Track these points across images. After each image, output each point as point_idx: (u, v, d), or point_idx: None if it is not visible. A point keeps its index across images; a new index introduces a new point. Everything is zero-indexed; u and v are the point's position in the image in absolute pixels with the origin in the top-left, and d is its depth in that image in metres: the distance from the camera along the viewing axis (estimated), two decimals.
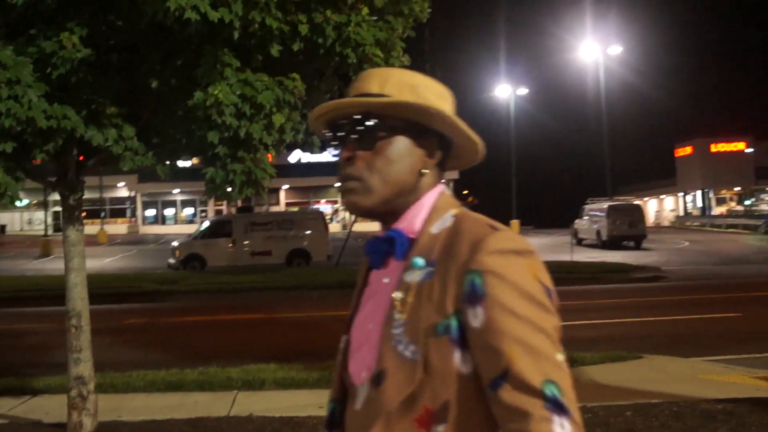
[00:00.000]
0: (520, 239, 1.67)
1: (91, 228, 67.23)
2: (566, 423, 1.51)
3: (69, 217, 7.35)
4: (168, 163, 7.06)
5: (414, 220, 1.81)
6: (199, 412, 8.06)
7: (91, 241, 56.65)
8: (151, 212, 73.39)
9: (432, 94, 1.84)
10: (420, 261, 1.72)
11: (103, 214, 66.06)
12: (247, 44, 6.52)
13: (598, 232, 44.59)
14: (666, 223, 77.99)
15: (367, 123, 1.78)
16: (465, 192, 66.11)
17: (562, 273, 26.44)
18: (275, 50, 6.54)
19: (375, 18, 6.88)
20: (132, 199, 71.68)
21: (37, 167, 7.85)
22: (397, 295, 1.72)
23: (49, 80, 6.11)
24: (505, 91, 67.18)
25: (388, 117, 1.79)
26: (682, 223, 74.24)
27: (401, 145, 1.80)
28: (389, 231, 1.81)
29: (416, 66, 7.28)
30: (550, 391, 1.53)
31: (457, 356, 1.63)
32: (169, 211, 73.74)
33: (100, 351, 7.29)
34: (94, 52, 6.14)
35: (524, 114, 73.85)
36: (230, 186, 6.52)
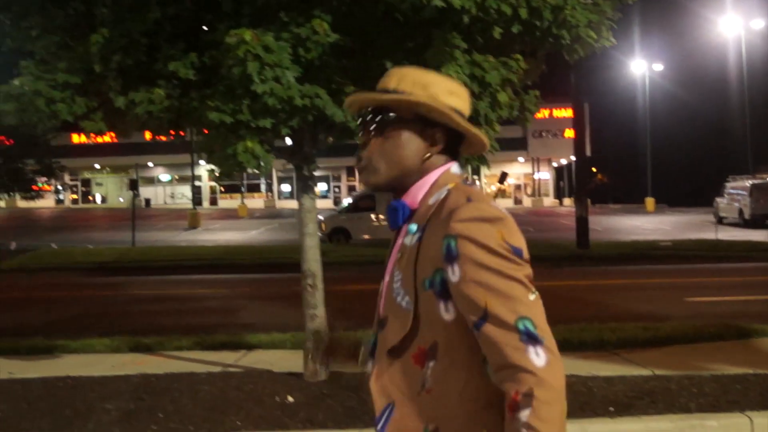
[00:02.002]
0: (490, 208, 2.03)
1: (231, 202, 69.56)
2: (540, 350, 1.91)
3: (303, 186, 8.12)
4: None
5: (417, 193, 2.19)
6: None
7: (232, 214, 58.59)
8: (286, 187, 75.16)
9: (441, 91, 2.20)
10: (414, 227, 2.14)
11: (242, 189, 67.93)
12: (472, 28, 7.09)
13: (740, 211, 43.30)
14: None
15: (380, 116, 2.19)
16: (594, 170, 65.42)
17: (704, 251, 26.33)
18: (497, 33, 7.10)
19: (589, 1, 7.36)
20: (268, 175, 73.53)
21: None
22: (399, 254, 2.16)
23: (299, 63, 6.83)
24: (641, 67, 66.22)
25: (400, 110, 2.18)
26: None
27: (407, 134, 2.18)
28: (393, 202, 2.22)
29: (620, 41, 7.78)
30: (523, 325, 1.92)
31: (441, 306, 2.04)
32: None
33: (298, 314, 8.05)
34: (342, 37, 6.83)
35: (660, 90, 72.34)
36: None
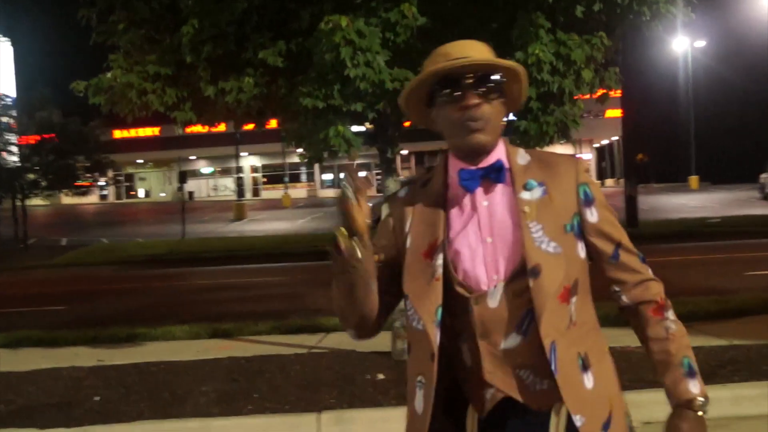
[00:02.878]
0: None
1: (273, 193, 69.86)
2: (649, 268, 2.42)
3: (387, 168, 8.24)
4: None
5: (502, 155, 2.36)
6: None
7: (276, 204, 58.84)
8: (328, 176, 75.46)
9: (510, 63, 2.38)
10: (533, 182, 2.32)
11: (286, 179, 68.31)
12: (555, 6, 7.16)
13: None
14: None
15: (499, 81, 2.29)
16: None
17: (752, 226, 26.13)
18: (579, 11, 7.17)
19: None
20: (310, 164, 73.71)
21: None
22: (525, 208, 2.28)
23: (387, 47, 6.95)
24: (683, 43, 65.61)
25: (502, 79, 2.31)
26: None
27: (500, 98, 2.32)
28: (495, 161, 2.33)
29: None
30: (638, 251, 2.41)
31: (579, 245, 2.32)
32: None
33: None
34: (429, 20, 6.94)
35: (702, 67, 71.65)
36: (544, 137, 7.23)
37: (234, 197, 56.58)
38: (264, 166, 75.85)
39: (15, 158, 34.42)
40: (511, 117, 7.84)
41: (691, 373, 2.34)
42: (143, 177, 78.16)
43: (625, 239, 2.39)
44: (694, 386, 2.33)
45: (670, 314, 2.37)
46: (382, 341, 8.52)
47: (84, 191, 38.29)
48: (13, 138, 34.67)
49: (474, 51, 2.32)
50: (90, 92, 7.83)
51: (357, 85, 6.75)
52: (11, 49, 55.18)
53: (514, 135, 7.47)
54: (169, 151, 69.72)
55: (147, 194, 77.34)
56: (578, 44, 7.09)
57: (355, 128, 7.66)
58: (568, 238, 2.30)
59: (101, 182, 44.61)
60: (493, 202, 2.35)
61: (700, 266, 17.34)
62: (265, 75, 7.56)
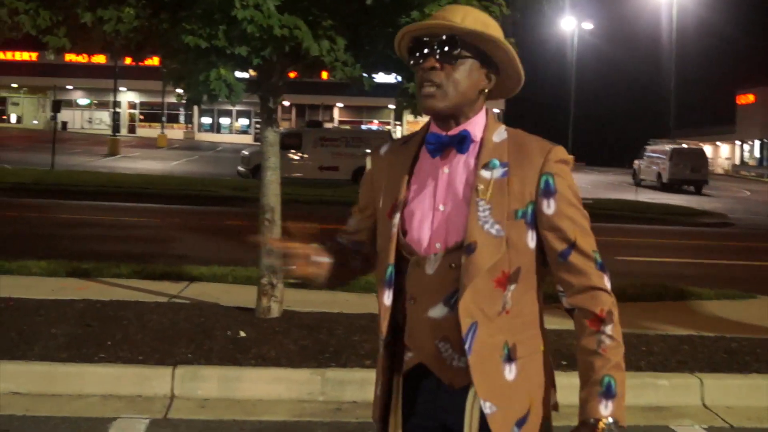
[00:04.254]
0: (566, 152, 2.36)
1: (149, 131, 68.37)
2: (607, 277, 2.33)
3: (268, 118, 7.90)
4: (375, 77, 7.56)
5: (475, 128, 2.37)
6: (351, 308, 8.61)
7: (151, 143, 57.72)
8: (207, 120, 74.16)
9: (498, 32, 2.36)
10: (496, 162, 2.32)
11: (163, 119, 66.80)
12: None
13: (659, 174, 44.23)
14: (720, 171, 77.22)
15: (456, 44, 2.29)
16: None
17: (624, 211, 26.88)
18: None
19: None
20: (189, 105, 72.26)
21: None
22: (480, 186, 2.29)
23: None
24: (570, 24, 66.55)
25: (469, 44, 2.31)
26: (737, 172, 73.57)
27: (472, 65, 2.33)
28: (461, 131, 2.36)
29: None
30: (597, 257, 2.33)
31: (528, 234, 2.31)
32: (224, 120, 74.52)
33: (231, 248, 7.64)
34: None
35: (587, 49, 73.09)
36: None
37: (109, 132, 55.00)
38: (142, 103, 74.18)
39: None
40: (399, 78, 7.65)
41: (607, 394, 2.27)
42: (16, 102, 75.27)
43: (583, 240, 2.32)
44: (606, 407, 2.26)
45: (609, 329, 2.31)
46: (249, 297, 8.28)
47: None
48: None
49: (458, 15, 2.31)
50: None
51: (244, 28, 6.42)
52: None
53: (401, 97, 7.28)
54: (46, 78, 67.04)
55: (19, 120, 74.48)
56: (476, 8, 6.90)
57: (238, 74, 7.33)
58: (516, 225, 2.30)
59: None
60: (454, 171, 2.37)
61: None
62: (147, 7, 7.15)
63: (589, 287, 2.30)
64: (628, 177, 49.93)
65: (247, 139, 69.74)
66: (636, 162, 48.42)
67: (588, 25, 67.06)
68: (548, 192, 2.30)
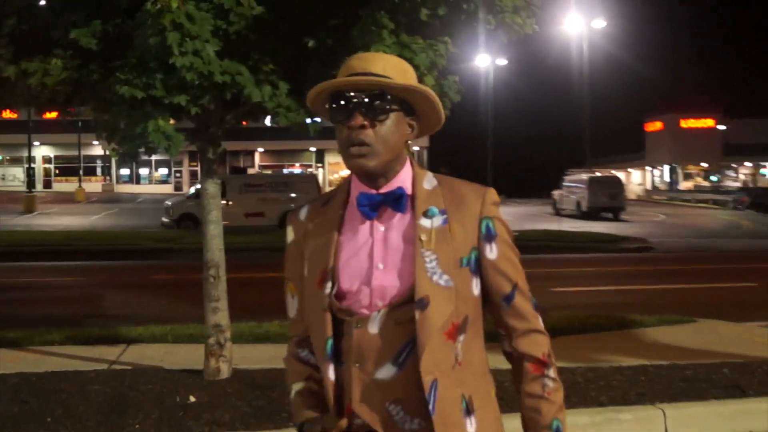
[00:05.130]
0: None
1: (66, 185, 66.95)
2: (539, 316, 2.31)
3: (207, 170, 7.52)
4: (319, 120, 7.24)
5: (405, 180, 2.28)
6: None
7: (69, 198, 56.56)
8: (125, 171, 72.97)
9: (413, 77, 2.30)
10: (435, 210, 2.24)
11: (80, 172, 65.49)
12: (399, 7, 6.71)
13: (578, 203, 45.08)
14: (633, 196, 78.82)
15: (384, 99, 2.18)
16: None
17: (549, 241, 27.13)
18: (424, 14, 6.74)
19: None
20: (106, 158, 71.17)
21: None
22: (422, 236, 2.19)
23: (217, 36, 6.28)
24: (485, 60, 67.22)
25: (393, 97, 2.20)
26: (650, 197, 75.24)
27: (398, 120, 2.23)
28: (396, 189, 2.25)
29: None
30: (532, 296, 2.31)
31: (474, 282, 2.24)
32: (143, 171, 73.41)
33: (164, 304, 7.09)
34: (265, 9, 6.33)
35: (502, 83, 74.02)
36: None
37: (24, 188, 53.63)
38: (57, 157, 72.65)
39: None
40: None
41: None
42: None
43: (522, 281, 2.30)
44: None
45: (551, 372, 2.30)
46: (193, 357, 7.84)
47: None
48: None
49: (379, 66, 2.22)
50: None
51: (183, 76, 6.06)
52: None
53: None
54: None
55: None
56: (422, 48, 6.66)
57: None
58: (462, 273, 2.22)
59: None
60: (390, 227, 2.26)
61: None
62: (76, 57, 6.72)
63: (529, 330, 2.28)
64: (548, 207, 50.70)
65: (168, 188, 68.79)
66: (555, 192, 49.14)
67: (502, 61, 67.81)
68: (489, 237, 2.26)
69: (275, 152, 72.62)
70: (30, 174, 52.13)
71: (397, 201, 2.23)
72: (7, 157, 72.01)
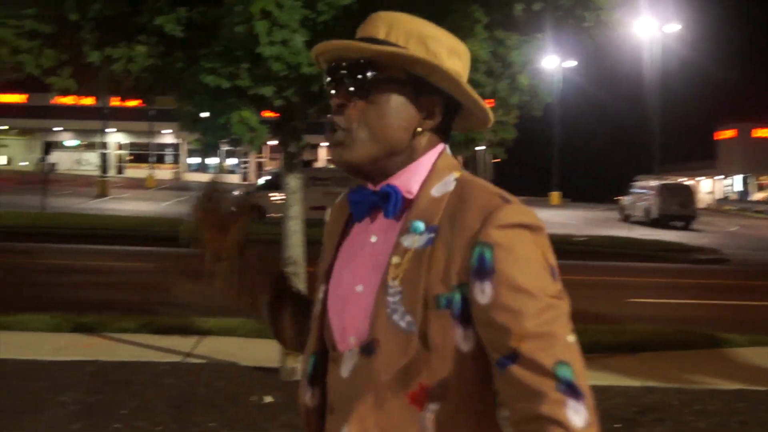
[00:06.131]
0: (532, 213, 1.60)
1: (138, 172, 67.92)
2: (581, 407, 1.45)
3: (289, 164, 7.37)
4: None
5: (410, 179, 1.70)
6: None
7: (140, 184, 57.20)
8: (194, 160, 73.67)
9: (444, 49, 1.72)
10: (420, 225, 1.63)
11: (152, 159, 66.33)
12: (493, 2, 6.47)
13: (647, 210, 44.05)
14: (702, 206, 77.32)
15: (366, 72, 1.66)
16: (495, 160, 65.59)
17: (618, 248, 26.52)
18: (519, 9, 6.49)
19: None
20: (176, 146, 72.02)
21: None
22: (395, 259, 1.62)
23: (305, 25, 6.11)
24: (553, 61, 66.47)
25: (390, 67, 1.67)
26: (720, 207, 73.67)
27: (398, 99, 1.67)
28: (386, 186, 1.69)
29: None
30: (562, 373, 1.46)
31: (458, 332, 1.57)
32: (212, 160, 74.01)
33: None
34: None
35: (573, 86, 73.18)
36: (470, 144, 6.54)
37: (97, 173, 54.45)
38: (130, 144, 73.63)
39: None
40: None
41: None
42: (5, 144, 74.56)
43: (532, 344, 1.48)
44: None
45: None
46: (267, 354, 7.72)
47: None
48: None
49: (382, 27, 1.70)
50: None
51: (269, 66, 5.88)
52: None
53: None
54: (35, 120, 67.59)
55: (8, 162, 73.85)
56: (517, 44, 6.42)
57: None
58: (438, 316, 1.56)
59: None
60: (383, 240, 1.69)
61: (577, 287, 17.05)
62: (160, 45, 6.60)
63: (533, 417, 1.46)
64: (614, 213, 49.77)
65: (235, 178, 69.19)
66: (623, 198, 48.31)
67: (571, 63, 67.02)
68: (482, 271, 1.53)
69: None
70: (104, 159, 52.95)
71: (384, 201, 1.68)
72: (84, 142, 73.27)
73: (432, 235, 1.59)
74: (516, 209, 1.57)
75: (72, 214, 30.81)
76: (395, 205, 1.66)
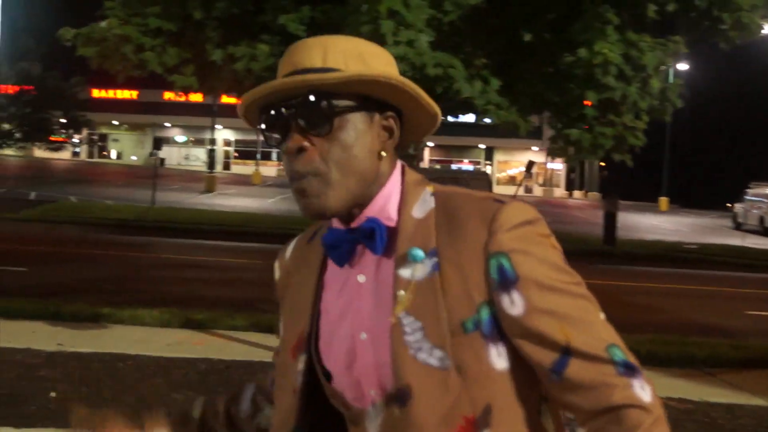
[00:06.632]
0: (528, 206, 1.50)
1: (243, 168, 69.06)
2: (642, 382, 1.42)
3: (409, 165, 7.25)
4: (529, 119, 6.87)
5: (386, 206, 1.54)
6: None
7: (246, 180, 58.08)
8: None
9: (381, 62, 1.56)
10: (418, 252, 1.48)
11: (258, 156, 67.36)
12: (625, 3, 6.26)
13: (762, 218, 42.57)
14: None
15: (321, 105, 1.46)
16: (602, 164, 64.10)
17: (731, 257, 25.56)
18: (651, 11, 6.26)
19: None
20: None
21: None
22: (400, 293, 1.47)
23: (431, 26, 5.99)
24: (684, 65, 65.07)
25: (339, 95, 1.48)
26: None
27: (359, 126, 1.50)
28: (365, 221, 1.52)
29: None
30: (616, 355, 1.42)
31: (492, 352, 1.45)
32: None
33: None
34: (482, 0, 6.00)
35: (690, 88, 71.57)
36: (597, 149, 6.33)
37: (204, 168, 55.55)
38: (237, 141, 74.89)
39: None
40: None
41: None
42: (116, 138, 76.88)
43: (581, 336, 1.42)
44: None
45: None
46: None
47: (58, 147, 37.42)
48: None
49: (316, 55, 1.51)
50: (78, 42, 6.79)
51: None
52: None
53: (565, 145, 6.57)
54: (145, 116, 69.51)
55: (119, 156, 76.00)
56: (651, 47, 6.18)
57: None
58: (469, 342, 1.44)
59: (75, 139, 43.39)
60: (373, 278, 1.53)
61: (691, 297, 16.56)
62: (282, 44, 6.55)
63: (607, 408, 1.40)
64: (724, 220, 48.25)
65: None
66: (736, 205, 46.74)
67: (683, 66, 65.56)
68: (506, 282, 1.43)
69: (444, 147, 72.50)
70: (211, 155, 53.95)
71: (370, 238, 1.52)
72: (192, 138, 74.86)
73: (435, 259, 1.48)
74: (514, 207, 1.48)
75: (181, 208, 31.47)
76: (382, 239, 1.51)
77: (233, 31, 6.59)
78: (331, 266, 1.61)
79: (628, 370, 1.42)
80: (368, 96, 1.51)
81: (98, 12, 6.93)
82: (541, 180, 74.66)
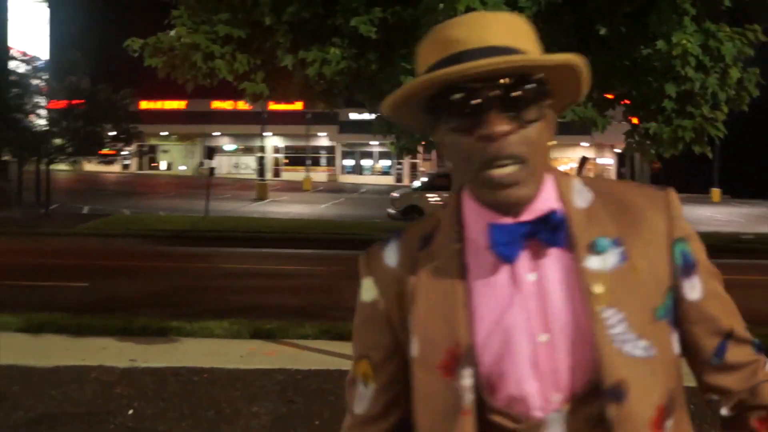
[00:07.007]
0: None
1: (294, 175, 69.28)
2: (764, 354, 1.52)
3: None
4: (606, 115, 6.68)
5: (550, 197, 1.47)
6: None
7: (297, 187, 58.28)
8: (349, 162, 74.52)
9: (533, 38, 1.47)
10: (605, 241, 1.43)
11: (308, 162, 67.50)
12: None
13: None
14: None
15: (528, 87, 1.36)
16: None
17: None
18: (727, 0, 6.08)
19: None
20: (331, 149, 72.95)
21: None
22: (595, 286, 1.40)
23: None
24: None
25: (538, 78, 1.38)
26: None
27: (548, 112, 1.43)
28: (549, 212, 1.43)
29: None
30: (753, 337, 1.53)
31: (674, 338, 1.48)
32: (366, 162, 74.71)
33: None
34: None
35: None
36: (676, 143, 6.14)
37: (254, 176, 55.82)
38: (286, 147, 75.10)
39: (43, 122, 33.75)
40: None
41: None
42: (166, 149, 77.42)
43: (738, 322, 1.51)
44: None
45: None
46: None
47: (109, 160, 37.78)
48: (42, 101, 33.98)
49: (499, 31, 1.39)
50: (146, 52, 6.73)
51: None
52: (47, 11, 54.22)
53: (642, 139, 6.38)
54: (194, 126, 69.65)
55: (169, 167, 76.54)
56: (729, 37, 5.98)
57: None
58: (660, 330, 1.43)
59: (125, 152, 43.77)
60: (545, 275, 1.44)
61: (752, 288, 16.11)
62: (353, 47, 6.43)
63: (756, 385, 1.49)
64: None
65: (389, 180, 69.59)
66: None
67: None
68: (689, 268, 1.47)
69: None
70: (261, 163, 54.17)
71: (554, 230, 1.43)
72: (241, 147, 75.20)
73: (621, 248, 1.44)
74: (673, 191, 1.52)
75: (233, 216, 31.62)
76: (565, 230, 1.44)
77: (303, 36, 6.48)
78: (475, 269, 1.47)
79: (759, 348, 1.52)
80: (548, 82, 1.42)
81: (165, 21, 6.87)
82: (592, 175, 73.71)
